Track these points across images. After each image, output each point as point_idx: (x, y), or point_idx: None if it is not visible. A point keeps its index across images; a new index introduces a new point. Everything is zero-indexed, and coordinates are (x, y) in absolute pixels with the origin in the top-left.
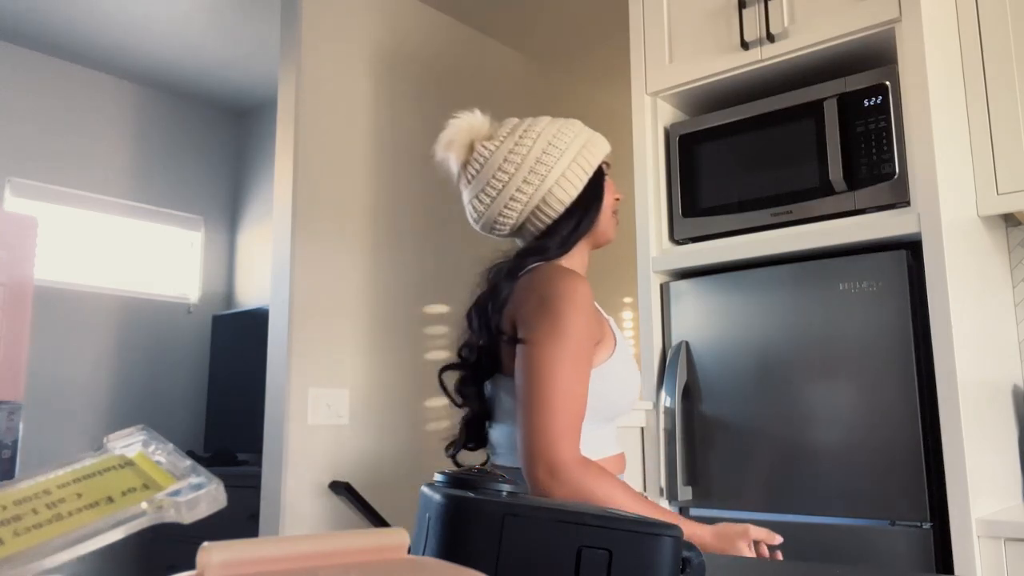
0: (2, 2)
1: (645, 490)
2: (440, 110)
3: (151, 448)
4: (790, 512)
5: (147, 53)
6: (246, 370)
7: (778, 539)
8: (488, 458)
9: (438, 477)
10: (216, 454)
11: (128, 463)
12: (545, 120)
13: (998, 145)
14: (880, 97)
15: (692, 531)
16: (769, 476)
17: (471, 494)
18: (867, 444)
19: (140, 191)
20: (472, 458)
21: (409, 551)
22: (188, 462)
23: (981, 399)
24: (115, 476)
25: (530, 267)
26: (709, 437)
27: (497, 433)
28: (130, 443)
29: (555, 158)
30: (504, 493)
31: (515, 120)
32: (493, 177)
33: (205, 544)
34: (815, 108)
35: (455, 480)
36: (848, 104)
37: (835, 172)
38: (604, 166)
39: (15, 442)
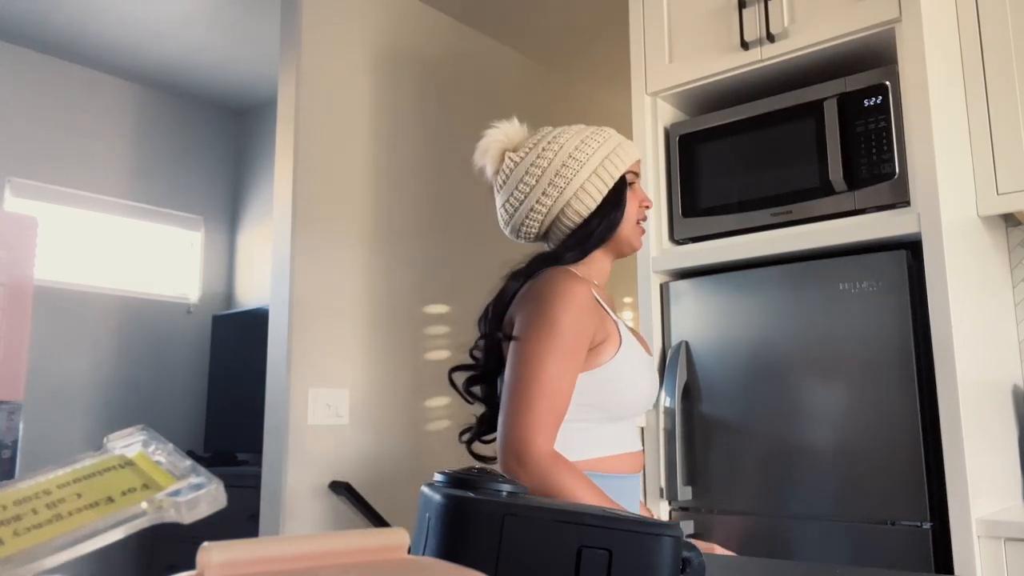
0: (2, 2)
1: (645, 490)
2: (440, 110)
3: (151, 448)
4: (790, 512)
5: (147, 53)
6: (246, 370)
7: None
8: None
9: (438, 477)
10: (216, 454)
11: (128, 463)
12: (573, 130)
13: (998, 145)
14: (880, 97)
15: None
16: (769, 476)
17: (471, 494)
18: (867, 444)
19: (140, 191)
20: (488, 450)
21: (409, 551)
22: (188, 462)
23: (981, 399)
24: (115, 476)
25: (540, 271)
26: (709, 437)
27: None
28: (130, 443)
29: (574, 171)
30: (504, 493)
31: (546, 129)
32: (516, 188)
33: (205, 544)
34: (815, 108)
35: (455, 480)
36: (848, 104)
37: (835, 172)
38: (630, 175)
39: (15, 442)
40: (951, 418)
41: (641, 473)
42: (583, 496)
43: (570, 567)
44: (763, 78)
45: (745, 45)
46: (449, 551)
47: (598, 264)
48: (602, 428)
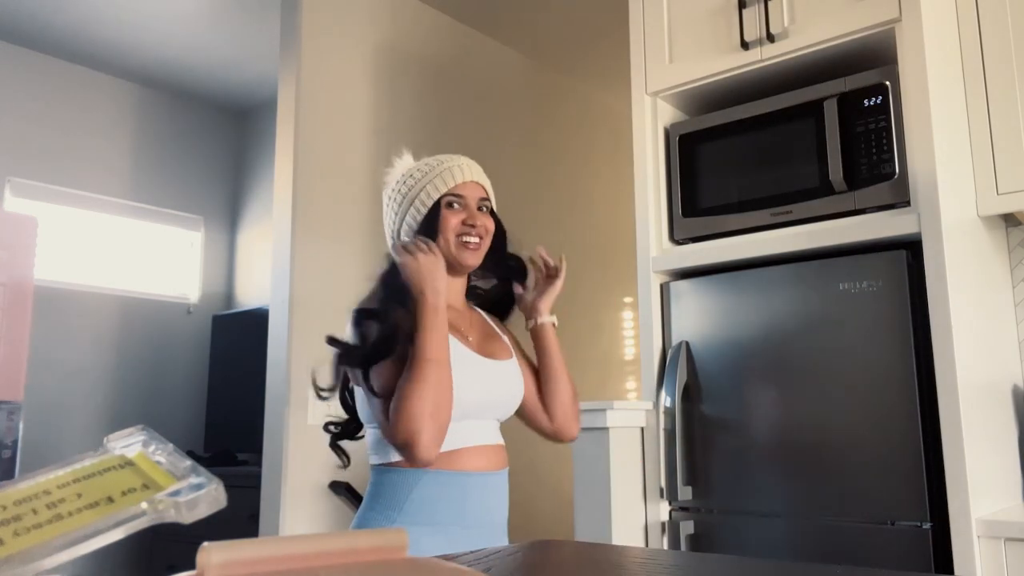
0: (2, 2)
1: (645, 490)
2: (440, 110)
3: (151, 448)
4: (790, 512)
5: (147, 53)
6: (246, 370)
7: None
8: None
9: None
10: (216, 454)
11: (128, 463)
12: (395, 171)
13: (998, 145)
14: (880, 97)
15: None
16: (769, 476)
17: None
18: (867, 444)
19: (140, 191)
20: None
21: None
22: (188, 462)
23: (981, 399)
24: (115, 476)
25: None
26: (709, 437)
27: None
28: (130, 443)
29: (394, 211)
30: None
31: (398, 165)
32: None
33: (205, 544)
34: (815, 108)
35: None
36: (848, 104)
37: (835, 172)
38: (451, 198)
39: (15, 442)
40: (951, 418)
41: (506, 471)
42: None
43: None
44: (763, 78)
45: (745, 45)
46: None
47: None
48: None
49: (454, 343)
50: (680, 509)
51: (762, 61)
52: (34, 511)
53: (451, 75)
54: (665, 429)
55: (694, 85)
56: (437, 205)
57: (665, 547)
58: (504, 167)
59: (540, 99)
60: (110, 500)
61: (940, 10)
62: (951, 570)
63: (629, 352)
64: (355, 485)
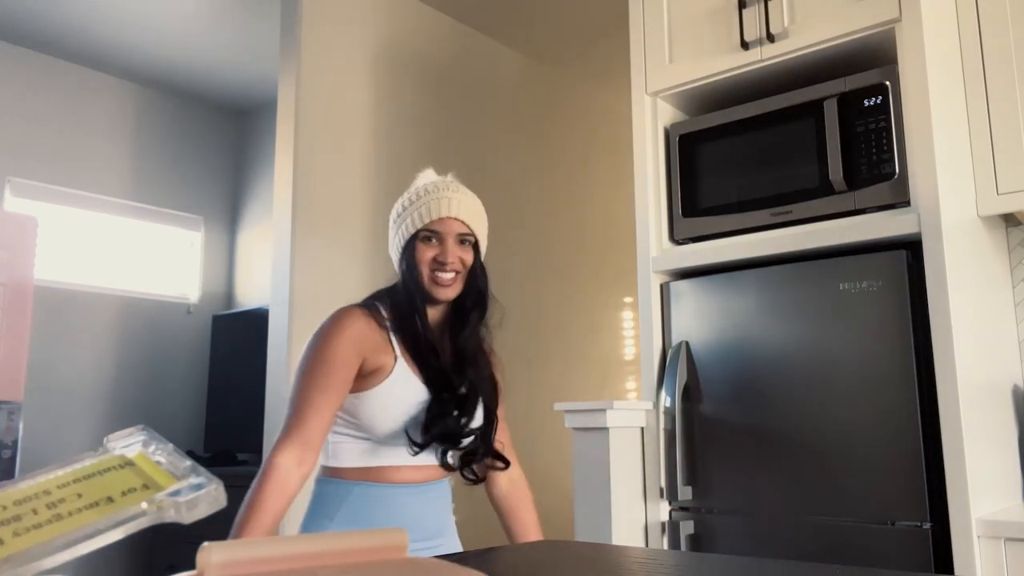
0: (2, 2)
1: (645, 490)
2: (440, 110)
3: (151, 448)
4: (790, 512)
5: (147, 53)
6: (246, 370)
7: None
8: None
9: None
10: (216, 454)
11: (128, 463)
12: (414, 183)
13: (998, 145)
14: (880, 97)
15: None
16: (769, 476)
17: None
18: (867, 444)
19: (140, 191)
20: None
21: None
22: (188, 462)
23: (981, 399)
24: (115, 476)
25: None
26: (709, 437)
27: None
28: (130, 443)
29: (391, 231)
30: None
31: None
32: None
33: (205, 544)
34: (815, 108)
35: None
36: (848, 104)
37: (835, 172)
38: (426, 232)
39: (15, 442)
40: (951, 418)
41: (443, 481)
42: (245, 509)
43: None
44: (763, 78)
45: (745, 45)
46: None
47: (429, 312)
48: (369, 441)
49: (403, 370)
50: (680, 509)
51: (762, 61)
52: (34, 511)
53: (451, 75)
54: (665, 429)
55: (694, 85)
56: (414, 238)
57: (665, 547)
58: (504, 167)
59: (540, 99)
60: (110, 500)
61: (940, 10)
62: (951, 570)
63: (629, 352)
64: None
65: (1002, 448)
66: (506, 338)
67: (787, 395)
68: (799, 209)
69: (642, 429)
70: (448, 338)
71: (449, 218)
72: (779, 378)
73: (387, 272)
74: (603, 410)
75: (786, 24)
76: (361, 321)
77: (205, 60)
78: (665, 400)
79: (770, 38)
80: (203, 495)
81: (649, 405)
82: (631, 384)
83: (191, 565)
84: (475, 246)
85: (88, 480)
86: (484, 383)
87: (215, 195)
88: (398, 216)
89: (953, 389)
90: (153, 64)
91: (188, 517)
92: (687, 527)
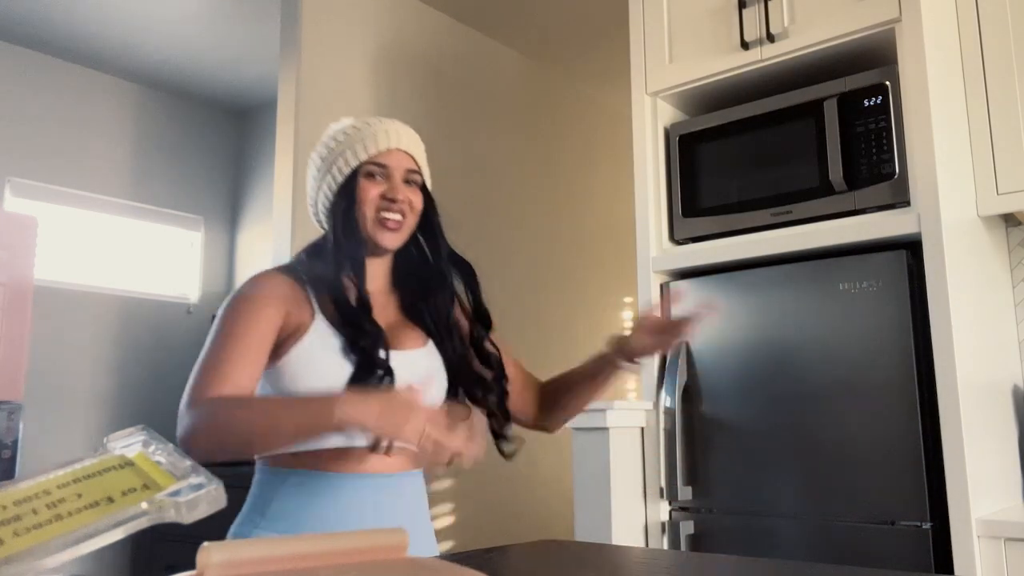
0: (2, 2)
1: (645, 490)
2: (440, 110)
3: (151, 448)
4: (789, 511)
5: (147, 53)
6: None
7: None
8: None
9: None
10: None
11: (128, 463)
12: (332, 128)
13: (998, 145)
14: (880, 97)
15: (356, 411)
16: (769, 476)
17: None
18: (867, 444)
19: (140, 191)
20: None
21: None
22: (188, 462)
23: (981, 399)
24: (115, 476)
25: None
26: (709, 437)
27: None
28: (130, 443)
29: (313, 176)
30: None
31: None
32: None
33: (205, 544)
34: (815, 108)
35: None
36: (848, 104)
37: (835, 172)
38: (371, 167)
39: (15, 442)
40: (951, 418)
41: (416, 472)
42: (254, 410)
43: None
44: (763, 78)
45: (745, 45)
46: None
47: (368, 266)
48: None
49: (323, 329)
50: (680, 509)
51: (762, 61)
52: (34, 511)
53: (451, 75)
54: (665, 429)
55: (694, 85)
56: (355, 174)
57: (665, 547)
58: (504, 167)
59: (540, 99)
60: (110, 500)
61: (940, 10)
62: (951, 570)
63: None
64: None
65: (1002, 448)
66: (506, 338)
67: (787, 395)
68: (799, 209)
69: (642, 429)
70: (395, 305)
71: (397, 150)
72: (779, 378)
73: None
74: (603, 410)
75: (786, 24)
76: (279, 277)
77: (205, 60)
78: (665, 400)
79: (770, 38)
80: (203, 495)
81: (649, 405)
82: (631, 384)
83: (191, 565)
84: (423, 188)
85: (88, 480)
86: (458, 355)
87: (215, 195)
88: (329, 153)
89: (953, 389)
90: (153, 64)
91: (188, 517)
92: (687, 527)
